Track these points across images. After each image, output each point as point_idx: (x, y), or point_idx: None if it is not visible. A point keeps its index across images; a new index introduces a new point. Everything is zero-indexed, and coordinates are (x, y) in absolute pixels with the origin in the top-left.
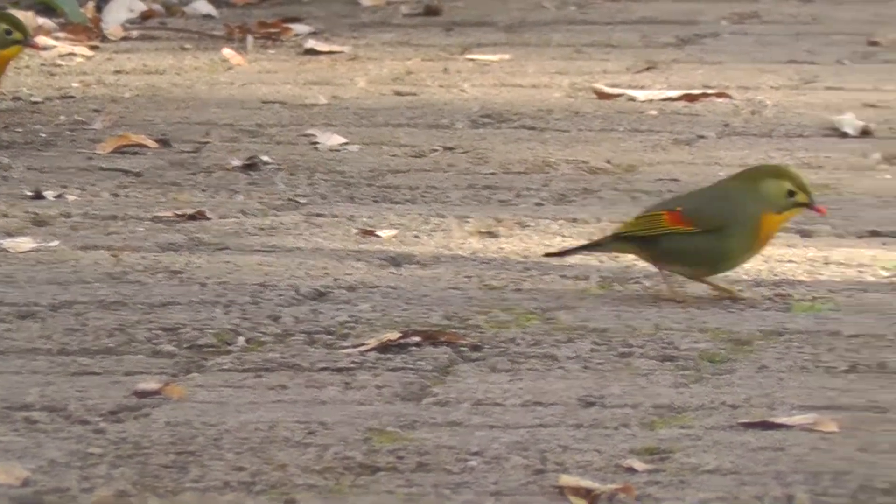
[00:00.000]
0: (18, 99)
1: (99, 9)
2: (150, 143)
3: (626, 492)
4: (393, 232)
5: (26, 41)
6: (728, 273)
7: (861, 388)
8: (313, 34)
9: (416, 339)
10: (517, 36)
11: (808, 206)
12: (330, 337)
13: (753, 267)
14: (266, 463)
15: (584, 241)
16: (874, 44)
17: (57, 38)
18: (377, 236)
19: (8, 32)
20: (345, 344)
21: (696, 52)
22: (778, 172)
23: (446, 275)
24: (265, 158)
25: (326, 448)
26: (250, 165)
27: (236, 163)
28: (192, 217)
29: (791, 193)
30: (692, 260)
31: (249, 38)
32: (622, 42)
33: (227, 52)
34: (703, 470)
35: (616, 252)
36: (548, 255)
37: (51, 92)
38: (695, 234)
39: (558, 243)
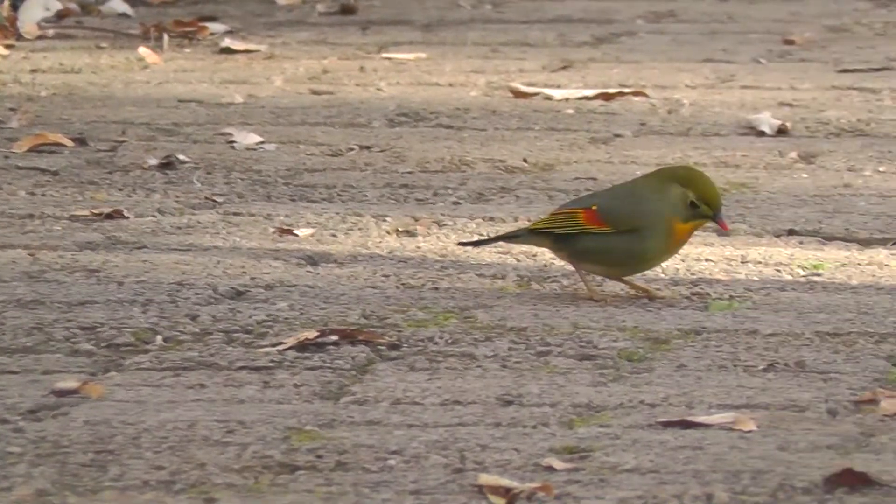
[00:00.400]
0: None
1: (15, 7)
2: (67, 141)
3: (546, 491)
4: (310, 231)
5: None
6: (646, 272)
7: (779, 387)
8: (229, 33)
9: (335, 337)
10: (433, 35)
11: (712, 219)
12: (248, 336)
13: (671, 266)
14: (185, 462)
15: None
16: (790, 42)
17: None
18: (295, 235)
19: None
20: (263, 343)
21: (613, 51)
22: (685, 179)
23: (364, 273)
24: (182, 157)
25: (246, 447)
26: (167, 164)
27: (153, 162)
28: (109, 216)
29: (693, 205)
30: (608, 260)
31: (165, 37)
32: (538, 41)
33: (143, 50)
34: (623, 469)
35: (531, 245)
36: (462, 244)
37: None
38: (610, 235)
39: None
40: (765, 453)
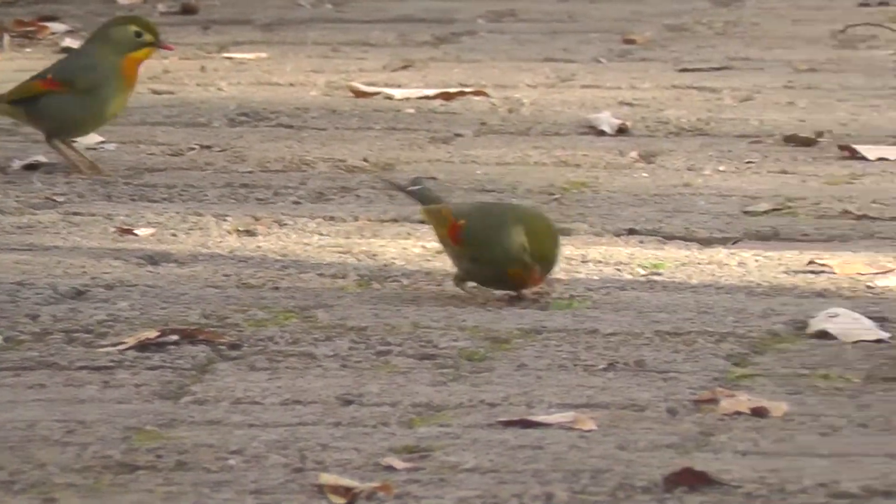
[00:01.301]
0: None
1: None
2: None
3: (386, 490)
4: (151, 230)
5: (158, 43)
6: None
7: (619, 386)
8: (70, 32)
9: (175, 337)
10: (274, 34)
11: (157, 44)
12: (88, 335)
13: None
14: (25, 462)
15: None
16: (630, 42)
17: None
18: (135, 235)
19: (138, 34)
20: (103, 342)
21: (453, 51)
22: (124, 20)
23: (204, 273)
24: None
25: (86, 447)
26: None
27: None
28: None
29: (138, 34)
30: (73, 122)
31: (6, 37)
32: (379, 40)
33: None
34: (463, 468)
35: (7, 116)
36: None
37: None
38: (71, 97)
39: (316, 242)
40: (604, 453)
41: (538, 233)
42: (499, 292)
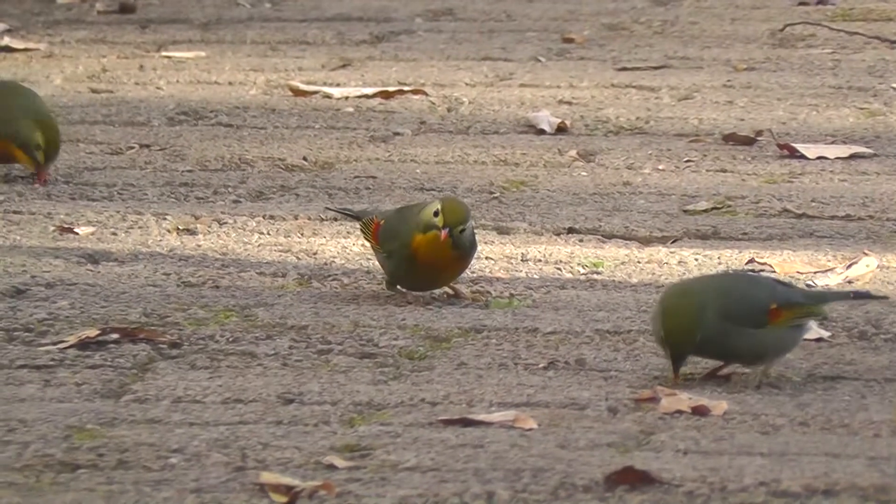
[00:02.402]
0: None
1: None
2: None
3: (327, 489)
4: (91, 229)
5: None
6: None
7: (559, 385)
8: (8, 31)
9: (115, 336)
10: (212, 33)
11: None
12: (29, 334)
13: None
14: None
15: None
16: (569, 41)
17: None
18: (75, 233)
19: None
20: (44, 341)
21: (392, 50)
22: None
23: (144, 272)
24: None
25: (26, 446)
26: None
27: None
28: None
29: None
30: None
31: None
32: (317, 39)
33: None
34: (404, 467)
35: None
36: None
37: None
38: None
39: (256, 240)
40: (545, 451)
41: (449, 207)
42: (433, 292)
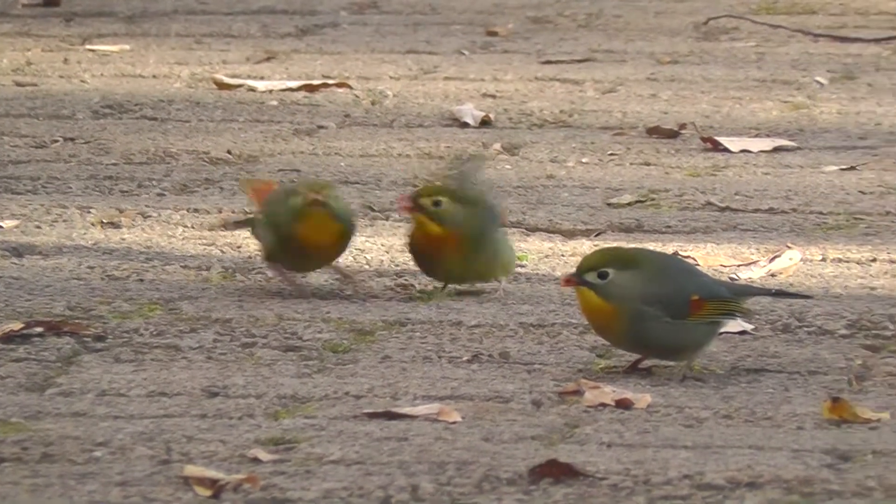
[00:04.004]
0: None
1: None
2: None
3: (252, 482)
4: (15, 222)
5: None
6: (350, 262)
7: (484, 378)
8: None
9: (40, 329)
10: (137, 27)
11: None
12: None
13: (375, 257)
14: None
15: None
16: (493, 34)
17: None
18: None
19: None
20: None
21: (316, 43)
22: None
23: (69, 265)
24: None
25: None
26: None
27: None
28: None
29: None
30: None
31: None
32: (242, 32)
33: None
34: (328, 460)
35: None
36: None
37: None
38: None
39: (180, 234)
40: (469, 444)
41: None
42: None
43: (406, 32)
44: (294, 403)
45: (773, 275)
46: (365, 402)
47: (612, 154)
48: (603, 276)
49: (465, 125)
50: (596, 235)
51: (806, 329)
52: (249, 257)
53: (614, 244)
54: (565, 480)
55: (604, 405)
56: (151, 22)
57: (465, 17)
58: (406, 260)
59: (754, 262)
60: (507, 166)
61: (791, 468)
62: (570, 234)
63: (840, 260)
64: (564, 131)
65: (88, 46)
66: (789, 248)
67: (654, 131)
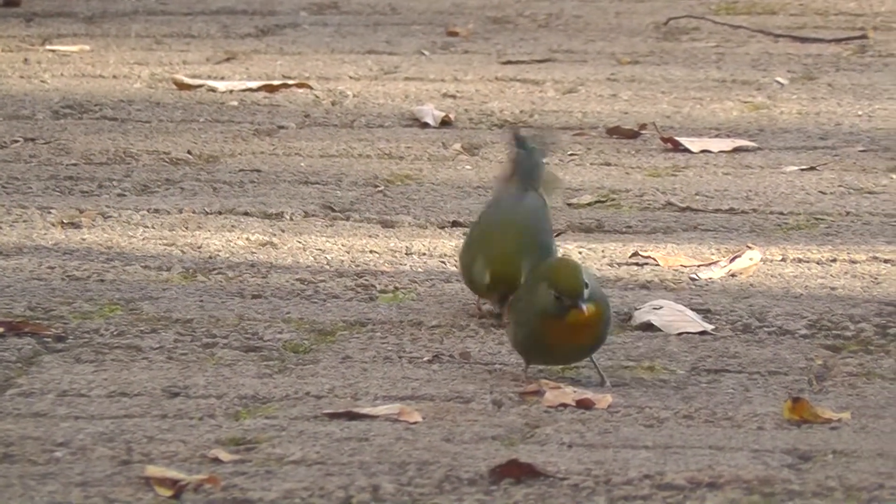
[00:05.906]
0: None
1: None
2: None
3: (212, 482)
4: None
5: None
6: (310, 262)
7: (444, 378)
8: None
9: (0, 329)
10: (97, 27)
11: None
12: None
13: (335, 257)
14: None
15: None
16: (453, 34)
17: None
18: None
19: None
20: None
21: (276, 43)
22: None
23: (29, 265)
24: None
25: None
26: None
27: None
28: None
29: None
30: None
31: None
32: (202, 32)
33: None
34: (289, 460)
35: None
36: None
37: None
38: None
39: (141, 234)
40: (430, 444)
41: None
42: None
43: (366, 33)
44: (255, 404)
45: (733, 275)
46: (325, 403)
47: (572, 154)
48: (585, 286)
49: (425, 125)
50: (556, 235)
51: (766, 329)
52: (210, 257)
53: (573, 245)
54: (526, 480)
55: (564, 405)
56: (111, 22)
57: (425, 18)
58: (367, 261)
59: (714, 263)
60: (468, 167)
61: (751, 468)
62: None
63: (800, 260)
64: (525, 131)
65: (48, 47)
66: (749, 248)
67: (615, 131)
